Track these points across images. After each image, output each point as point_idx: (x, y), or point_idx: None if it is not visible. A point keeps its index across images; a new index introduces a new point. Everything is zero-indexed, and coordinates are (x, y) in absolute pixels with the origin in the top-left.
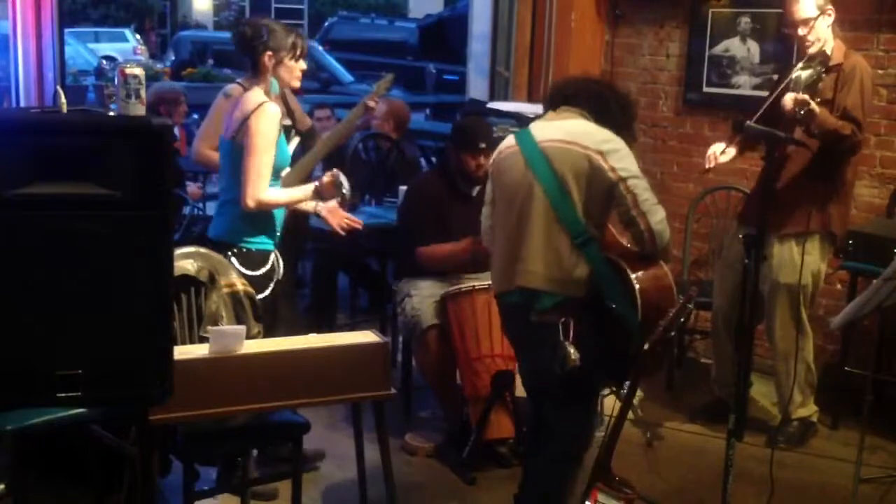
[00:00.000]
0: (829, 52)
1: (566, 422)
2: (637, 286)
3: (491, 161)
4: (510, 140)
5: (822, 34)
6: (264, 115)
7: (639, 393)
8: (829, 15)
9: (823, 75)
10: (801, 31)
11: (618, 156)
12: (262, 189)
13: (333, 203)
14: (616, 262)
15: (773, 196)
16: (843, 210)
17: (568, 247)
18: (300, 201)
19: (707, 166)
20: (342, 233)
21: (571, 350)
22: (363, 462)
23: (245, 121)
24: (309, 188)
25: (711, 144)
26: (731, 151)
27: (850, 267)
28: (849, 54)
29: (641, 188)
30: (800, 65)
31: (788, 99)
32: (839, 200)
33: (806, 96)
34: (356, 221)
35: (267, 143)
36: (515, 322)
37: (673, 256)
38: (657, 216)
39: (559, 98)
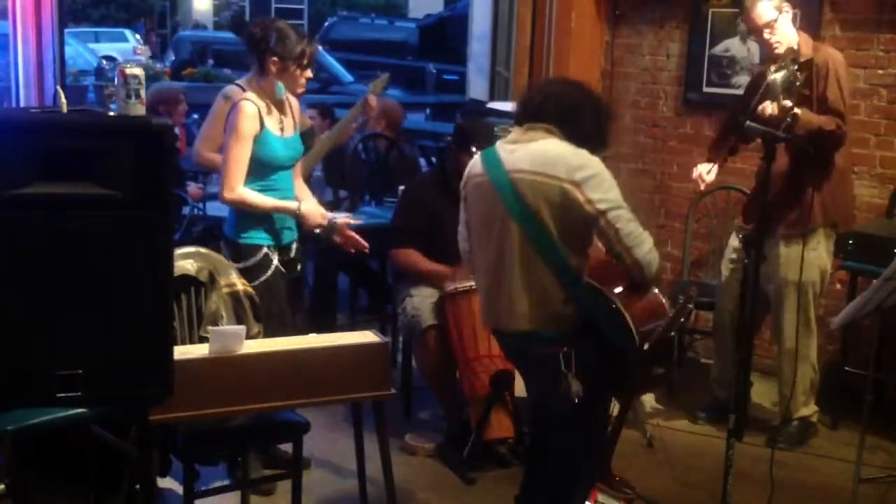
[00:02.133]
0: (796, 48)
1: (568, 452)
2: (629, 317)
3: (462, 184)
4: (478, 165)
5: (786, 32)
6: (236, 112)
7: (649, 401)
8: (788, 12)
9: (798, 74)
10: (767, 35)
11: (593, 184)
12: (236, 183)
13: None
14: (609, 300)
15: (772, 196)
16: (841, 200)
17: (553, 284)
18: (280, 212)
19: (700, 189)
20: (351, 250)
21: (574, 382)
22: (363, 462)
23: (227, 119)
24: (293, 205)
25: (708, 145)
26: (715, 168)
27: (850, 267)
28: (818, 47)
29: (624, 220)
30: (772, 67)
31: (771, 107)
32: (836, 191)
33: (788, 102)
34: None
35: (239, 139)
36: (515, 354)
37: (672, 257)
38: (644, 248)
39: (527, 112)
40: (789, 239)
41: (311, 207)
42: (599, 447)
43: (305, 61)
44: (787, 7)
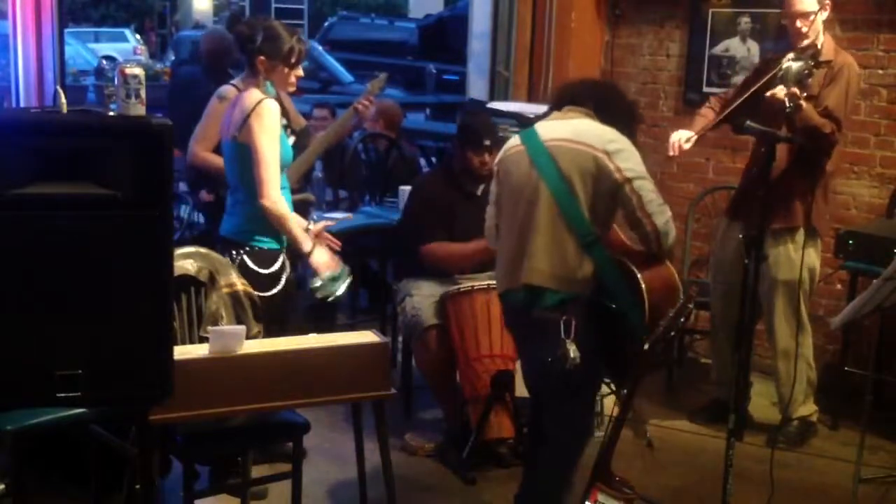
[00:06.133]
0: (820, 46)
1: (564, 421)
2: (644, 286)
3: (496, 161)
4: (515, 140)
5: (817, 28)
6: (265, 113)
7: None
8: (826, 10)
9: (814, 70)
10: (800, 24)
11: (623, 155)
12: (277, 190)
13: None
14: (623, 263)
15: (769, 194)
16: (824, 204)
17: (574, 246)
18: (296, 242)
19: (671, 153)
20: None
21: (572, 349)
22: (363, 462)
23: (246, 119)
24: (308, 246)
25: (712, 145)
26: (694, 138)
27: (850, 267)
28: (839, 52)
29: (647, 189)
30: (790, 56)
31: (780, 91)
32: (823, 194)
33: (797, 90)
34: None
35: (272, 140)
36: (517, 319)
37: (674, 256)
38: (663, 217)
39: (565, 98)
40: (777, 235)
41: (321, 257)
42: (588, 430)
43: (294, 60)
44: (827, 4)
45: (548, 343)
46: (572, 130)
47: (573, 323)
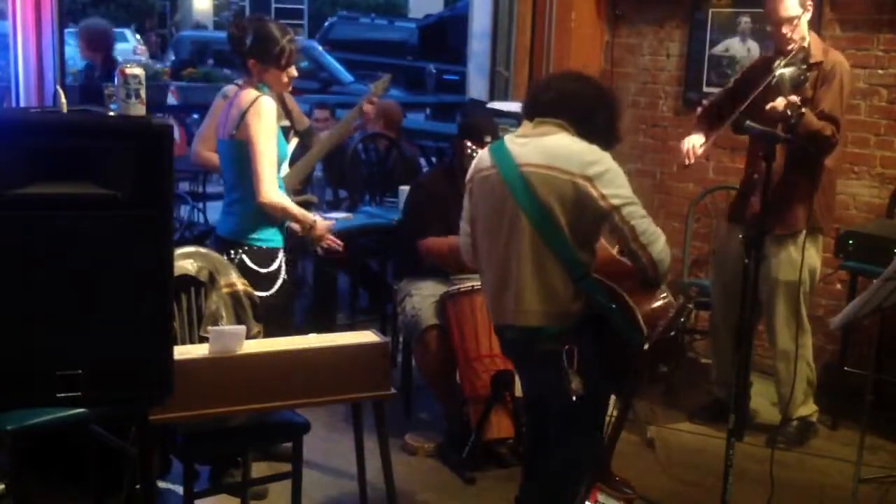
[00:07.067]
0: (808, 48)
1: (568, 451)
2: (641, 316)
3: (467, 177)
4: (486, 159)
5: (802, 31)
6: (262, 110)
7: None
8: (808, 11)
9: (807, 74)
10: (785, 30)
11: (606, 179)
12: (275, 185)
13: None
14: (619, 295)
15: (770, 196)
16: (826, 202)
17: (563, 281)
18: (299, 222)
19: (687, 162)
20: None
21: (574, 379)
22: (363, 462)
23: (243, 117)
24: (310, 218)
25: (712, 145)
26: (705, 143)
27: (850, 267)
28: (828, 51)
29: (638, 216)
30: (781, 62)
31: (780, 102)
32: (823, 193)
33: (796, 98)
34: (338, 243)
35: (269, 137)
36: (517, 353)
37: (672, 257)
38: (658, 245)
39: (537, 107)
40: (779, 240)
41: (322, 221)
42: (598, 446)
43: (284, 61)
44: (809, 5)
45: (551, 376)
46: (546, 154)
47: (574, 352)
